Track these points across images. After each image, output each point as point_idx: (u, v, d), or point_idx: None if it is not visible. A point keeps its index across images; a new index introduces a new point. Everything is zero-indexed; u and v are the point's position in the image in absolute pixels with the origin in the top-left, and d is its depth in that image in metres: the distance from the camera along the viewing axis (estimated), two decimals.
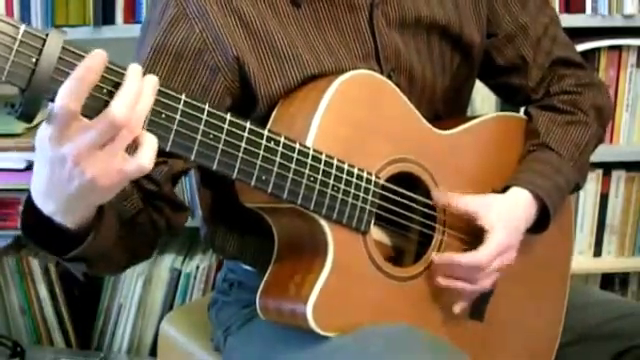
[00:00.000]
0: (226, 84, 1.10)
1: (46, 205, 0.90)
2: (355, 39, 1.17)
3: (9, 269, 1.98)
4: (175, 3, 1.09)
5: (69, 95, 0.81)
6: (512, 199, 1.22)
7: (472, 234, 1.20)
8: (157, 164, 0.91)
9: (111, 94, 0.85)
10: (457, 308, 1.18)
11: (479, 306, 1.23)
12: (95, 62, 0.82)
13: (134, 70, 0.85)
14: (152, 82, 0.87)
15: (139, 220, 1.08)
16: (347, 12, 1.16)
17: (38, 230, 0.94)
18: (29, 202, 0.92)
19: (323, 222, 1.07)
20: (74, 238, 0.94)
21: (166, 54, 1.08)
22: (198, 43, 1.09)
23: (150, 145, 0.86)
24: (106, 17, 1.82)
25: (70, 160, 0.83)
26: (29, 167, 1.81)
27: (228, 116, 0.97)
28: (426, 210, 1.18)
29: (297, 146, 1.03)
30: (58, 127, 0.82)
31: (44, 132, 0.83)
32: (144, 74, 0.87)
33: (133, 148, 0.86)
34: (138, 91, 0.85)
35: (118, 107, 0.83)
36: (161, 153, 0.89)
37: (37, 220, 0.92)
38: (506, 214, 1.19)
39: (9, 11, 1.80)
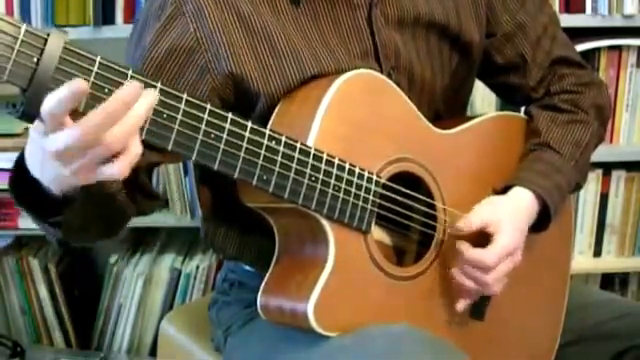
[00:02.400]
0: (213, 85, 1.10)
1: (33, 169, 0.90)
2: (354, 38, 1.17)
3: (9, 269, 1.98)
4: (172, 0, 1.08)
5: (57, 104, 0.80)
6: (515, 200, 1.22)
7: (474, 234, 1.19)
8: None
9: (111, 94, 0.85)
10: (459, 306, 1.18)
11: (480, 306, 1.23)
12: (81, 87, 0.79)
13: (123, 92, 0.82)
14: (146, 103, 0.84)
15: (119, 198, 1.06)
16: (346, 11, 1.16)
17: (24, 190, 0.94)
18: (20, 161, 0.92)
19: (324, 222, 1.07)
20: (58, 203, 0.94)
21: (159, 51, 1.08)
22: (191, 42, 1.08)
23: (128, 158, 0.84)
24: (106, 17, 1.82)
25: (49, 154, 0.84)
26: None
27: (230, 115, 0.97)
28: (427, 210, 1.18)
29: (298, 145, 1.03)
30: (43, 123, 0.82)
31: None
32: (142, 75, 0.88)
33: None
34: (116, 113, 0.82)
35: (87, 126, 0.81)
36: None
37: (24, 180, 0.93)
38: (511, 217, 1.19)
39: (9, 11, 1.79)
